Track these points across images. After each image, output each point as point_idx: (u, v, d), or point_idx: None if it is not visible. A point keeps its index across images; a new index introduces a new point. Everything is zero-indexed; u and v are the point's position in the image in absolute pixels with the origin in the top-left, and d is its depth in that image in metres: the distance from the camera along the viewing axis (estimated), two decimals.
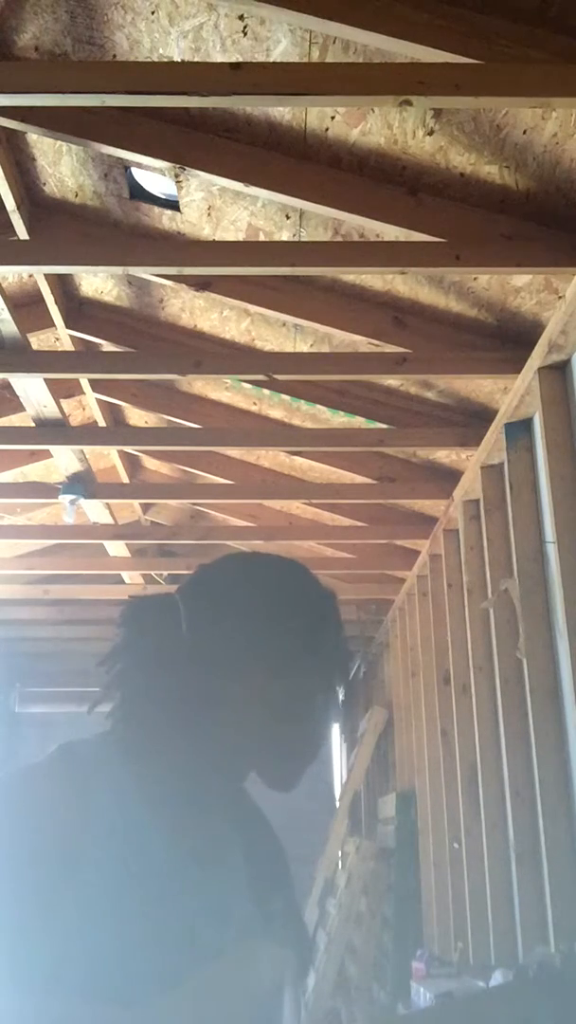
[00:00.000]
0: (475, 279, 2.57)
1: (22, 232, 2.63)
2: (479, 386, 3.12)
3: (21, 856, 0.78)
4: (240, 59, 2.06)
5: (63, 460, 3.82)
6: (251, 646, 0.92)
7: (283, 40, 2.00)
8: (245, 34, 2.01)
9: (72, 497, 3.92)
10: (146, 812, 0.85)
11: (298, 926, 0.99)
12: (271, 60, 2.05)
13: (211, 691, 0.91)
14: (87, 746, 0.89)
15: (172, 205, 2.67)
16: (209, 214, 2.66)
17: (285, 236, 2.65)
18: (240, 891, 0.90)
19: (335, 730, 7.38)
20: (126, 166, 2.57)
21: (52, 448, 3.71)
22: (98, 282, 3.23)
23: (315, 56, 2.00)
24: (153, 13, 2.03)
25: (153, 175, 2.59)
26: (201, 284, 2.81)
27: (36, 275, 2.90)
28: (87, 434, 3.79)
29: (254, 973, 0.88)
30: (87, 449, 3.79)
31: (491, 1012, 1.05)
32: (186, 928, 0.82)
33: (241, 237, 2.71)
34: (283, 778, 0.92)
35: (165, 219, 2.76)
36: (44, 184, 2.72)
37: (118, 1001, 0.76)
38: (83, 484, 3.96)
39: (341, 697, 0.97)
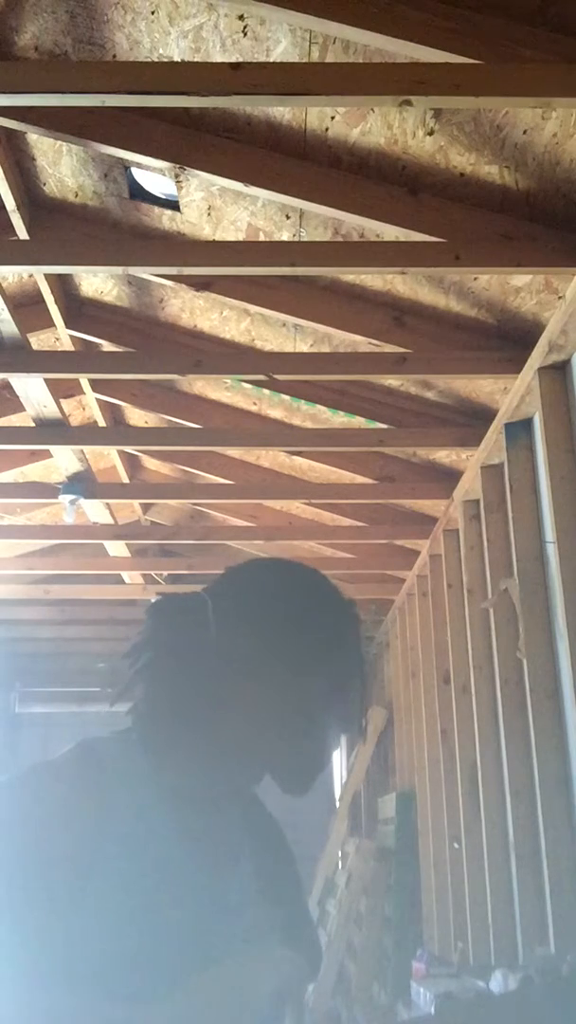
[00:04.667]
0: (475, 279, 2.57)
1: (22, 232, 2.63)
2: (479, 386, 3.12)
3: (37, 852, 0.79)
4: (240, 59, 2.06)
5: (63, 460, 3.82)
6: (276, 649, 0.92)
7: (283, 40, 2.00)
8: (245, 34, 2.01)
9: (72, 497, 3.92)
10: (162, 812, 0.85)
11: (307, 929, 1.00)
12: (271, 60, 2.05)
13: (234, 691, 0.91)
14: (106, 744, 0.89)
15: (172, 205, 2.67)
16: (209, 214, 2.66)
17: (285, 236, 2.65)
18: (250, 892, 0.91)
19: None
20: (126, 166, 2.57)
21: (52, 448, 3.71)
22: (98, 282, 3.22)
23: (315, 56, 2.00)
24: (153, 13, 2.03)
25: (153, 175, 2.59)
26: (201, 284, 2.81)
27: (36, 275, 2.90)
28: (87, 434, 3.79)
29: (262, 974, 0.88)
30: (87, 449, 3.79)
31: (495, 1019, 1.04)
32: (198, 927, 0.83)
33: (241, 237, 2.71)
34: (298, 782, 0.93)
35: (165, 219, 2.76)
36: (44, 184, 2.72)
37: (129, 998, 0.76)
38: (83, 484, 3.96)
39: (359, 705, 0.97)
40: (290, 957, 0.93)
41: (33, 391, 3.16)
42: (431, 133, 2.11)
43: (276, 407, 3.75)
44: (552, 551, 2.49)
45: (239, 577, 0.98)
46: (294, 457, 4.06)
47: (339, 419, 3.62)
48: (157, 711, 0.91)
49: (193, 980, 0.80)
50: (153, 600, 0.95)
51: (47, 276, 2.91)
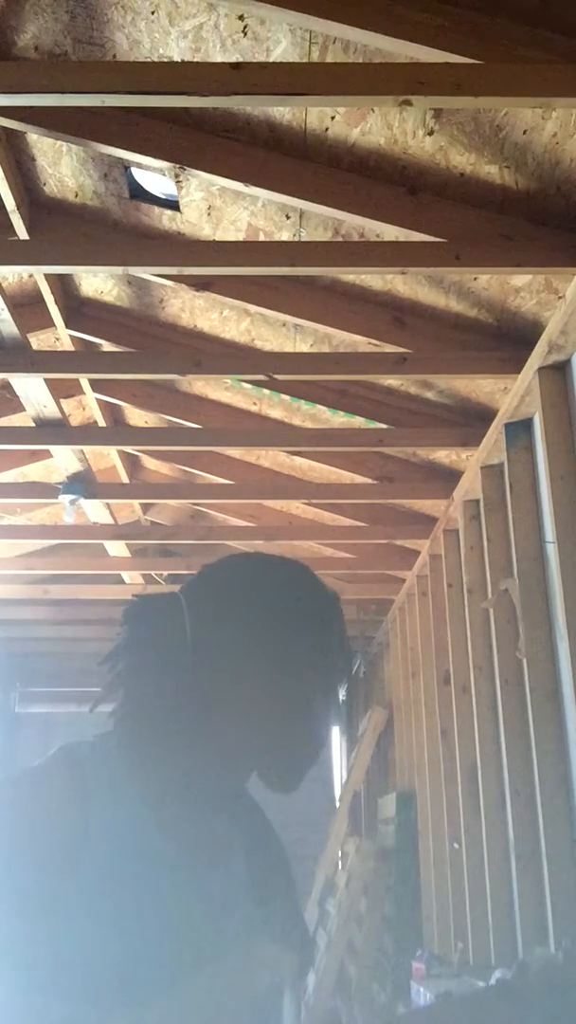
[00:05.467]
0: (475, 279, 2.57)
1: (22, 232, 2.63)
2: (479, 386, 3.12)
3: (22, 858, 0.78)
4: (240, 59, 2.06)
5: (63, 460, 3.82)
6: (255, 645, 0.92)
7: (283, 40, 2.00)
8: (245, 34, 2.01)
9: (72, 497, 3.92)
10: (147, 813, 0.84)
11: (298, 926, 1.00)
12: (271, 60, 2.05)
13: (214, 691, 0.91)
14: (87, 747, 0.89)
15: (172, 205, 2.67)
16: (209, 214, 2.66)
17: (285, 236, 2.65)
18: (241, 891, 0.90)
19: (335, 730, 7.38)
20: (126, 166, 2.57)
21: (52, 448, 3.71)
22: (98, 282, 3.23)
23: (315, 56, 2.00)
24: (153, 13, 2.03)
25: (153, 175, 2.59)
26: (201, 284, 2.81)
27: (36, 275, 2.90)
28: (87, 434, 3.79)
29: (255, 973, 0.88)
30: (87, 449, 3.79)
31: (491, 1009, 1.04)
32: (187, 928, 0.82)
33: (241, 237, 2.71)
34: (284, 779, 0.92)
35: (165, 219, 2.76)
36: (44, 184, 2.72)
37: (120, 1001, 0.76)
38: (83, 484, 3.96)
39: (342, 697, 0.97)
40: (281, 953, 0.92)
41: (33, 391, 3.16)
42: (431, 133, 2.11)
43: (276, 407, 3.75)
44: (552, 551, 2.49)
45: (214, 575, 0.97)
46: (294, 457, 4.06)
47: (339, 419, 3.62)
48: (137, 714, 0.90)
49: (186, 981, 0.80)
50: (129, 603, 0.94)
51: (47, 276, 2.91)
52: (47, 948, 0.76)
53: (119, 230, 2.87)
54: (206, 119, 2.29)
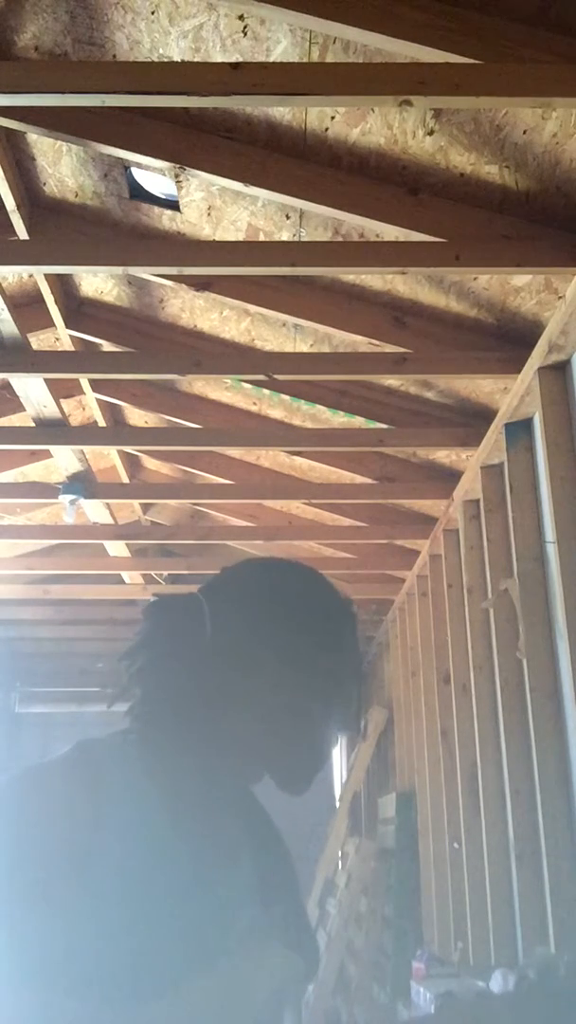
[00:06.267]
0: (475, 279, 2.57)
1: (22, 232, 2.64)
2: (479, 386, 3.12)
3: (34, 852, 0.78)
4: (240, 59, 2.06)
5: (63, 460, 3.82)
6: (274, 647, 0.93)
7: (283, 40, 2.00)
8: (245, 34, 2.01)
9: (72, 497, 3.93)
10: (159, 812, 0.85)
11: (304, 929, 1.00)
12: (271, 60, 2.05)
13: (231, 691, 0.91)
14: (103, 744, 0.89)
15: (172, 205, 2.67)
16: (209, 214, 2.66)
17: (285, 236, 2.65)
18: (248, 893, 0.91)
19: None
20: (126, 166, 2.57)
21: (52, 448, 3.71)
22: (98, 282, 3.23)
23: (315, 56, 2.00)
24: (153, 13, 2.03)
25: (153, 175, 2.59)
26: (201, 284, 2.81)
27: (36, 275, 2.90)
28: (87, 434, 3.79)
29: (259, 975, 0.88)
30: (87, 449, 3.79)
31: (495, 1018, 1.04)
32: (196, 928, 0.82)
33: (241, 237, 2.71)
34: (296, 780, 0.93)
35: (165, 219, 2.76)
36: (44, 184, 2.72)
37: (126, 999, 0.76)
38: (83, 484, 3.96)
39: (357, 702, 0.97)
40: (288, 957, 0.92)
41: (33, 391, 3.16)
42: (431, 133, 2.11)
43: (276, 407, 3.75)
44: (552, 551, 2.49)
45: (234, 577, 0.98)
46: (294, 457, 4.06)
47: (339, 419, 3.62)
48: (154, 712, 0.91)
49: (192, 980, 0.80)
50: (149, 602, 0.95)
51: (47, 276, 2.91)
52: (55, 943, 0.76)
53: (119, 230, 2.87)
54: (206, 119, 2.29)
